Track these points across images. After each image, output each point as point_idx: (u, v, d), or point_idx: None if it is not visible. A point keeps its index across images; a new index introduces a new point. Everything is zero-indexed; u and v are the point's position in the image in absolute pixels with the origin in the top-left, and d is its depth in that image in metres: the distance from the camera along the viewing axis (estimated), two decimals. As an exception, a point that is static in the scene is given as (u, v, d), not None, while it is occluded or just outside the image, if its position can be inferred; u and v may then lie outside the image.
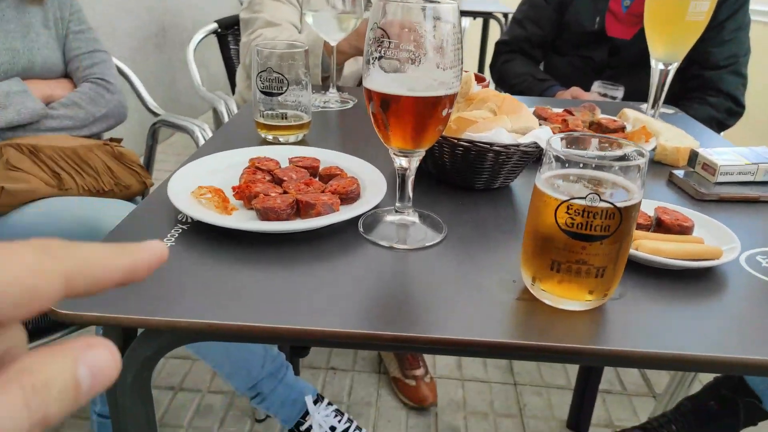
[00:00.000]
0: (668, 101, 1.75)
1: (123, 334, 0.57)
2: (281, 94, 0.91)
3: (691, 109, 1.55)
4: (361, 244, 0.66)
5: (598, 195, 0.49)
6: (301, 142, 0.97)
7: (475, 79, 1.10)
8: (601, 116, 1.07)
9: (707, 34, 1.54)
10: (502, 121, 0.77)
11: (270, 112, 0.93)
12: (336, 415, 1.16)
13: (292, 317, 0.52)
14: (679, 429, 1.24)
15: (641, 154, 0.52)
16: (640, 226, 0.66)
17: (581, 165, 0.52)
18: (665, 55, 1.03)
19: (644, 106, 1.20)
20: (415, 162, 0.65)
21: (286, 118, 0.94)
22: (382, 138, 0.64)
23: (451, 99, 0.61)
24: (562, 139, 0.54)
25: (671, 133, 0.97)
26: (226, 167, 0.78)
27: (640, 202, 0.51)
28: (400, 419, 1.60)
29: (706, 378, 1.39)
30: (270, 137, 0.95)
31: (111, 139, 1.42)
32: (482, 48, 3.73)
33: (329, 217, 0.66)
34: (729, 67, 1.57)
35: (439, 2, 0.58)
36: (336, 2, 1.11)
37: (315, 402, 1.17)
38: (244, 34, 1.55)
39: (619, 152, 0.54)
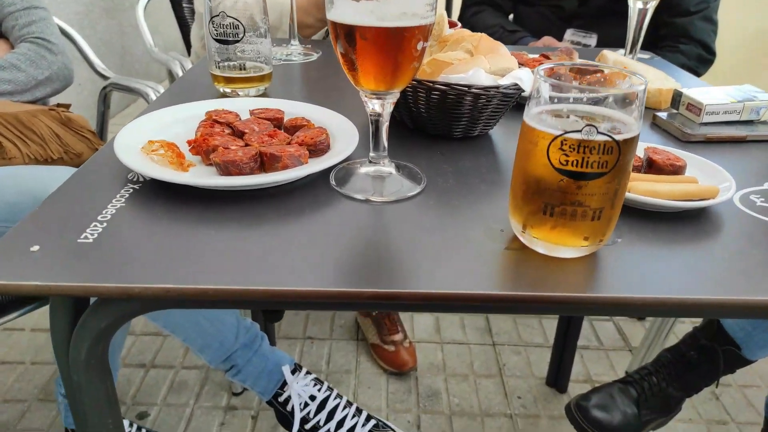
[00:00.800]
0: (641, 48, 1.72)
1: (74, 305, 0.51)
2: (237, 41, 0.84)
3: (664, 57, 1.52)
4: (333, 198, 0.60)
5: (595, 127, 0.44)
6: (262, 96, 0.90)
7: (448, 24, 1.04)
8: (579, 60, 1.02)
9: None
10: (480, 61, 0.72)
11: (227, 63, 0.85)
12: (315, 384, 1.13)
13: (261, 278, 0.46)
14: (660, 380, 1.24)
15: (639, 82, 0.47)
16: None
17: (572, 100, 0.47)
18: (645, -9, 0.99)
19: (621, 51, 1.16)
20: (389, 106, 0.59)
21: (244, 68, 0.86)
22: (351, 79, 0.58)
23: (425, 31, 0.54)
24: (550, 69, 0.49)
25: (652, 75, 0.93)
26: (180, 121, 0.71)
27: (638, 135, 0.47)
28: (381, 385, 1.58)
29: (681, 331, 1.39)
30: (228, 90, 0.88)
31: (58, 105, 1.32)
32: (448, 1, 3.63)
33: (297, 170, 0.60)
34: (700, 12, 1.54)
35: None
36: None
37: (293, 372, 1.12)
38: None
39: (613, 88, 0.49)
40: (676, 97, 0.85)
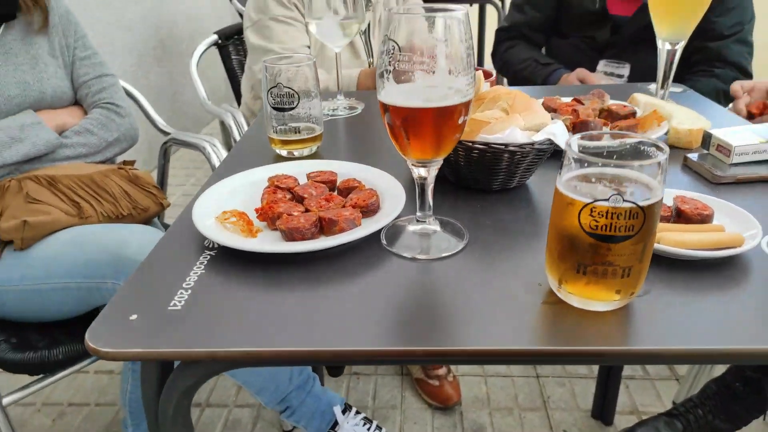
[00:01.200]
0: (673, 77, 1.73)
1: (162, 365, 0.59)
2: (293, 108, 0.92)
3: (697, 83, 1.52)
4: (385, 256, 0.67)
5: (621, 196, 0.49)
6: (315, 154, 0.98)
7: (483, 76, 1.10)
8: (611, 102, 1.07)
9: (711, 3, 1.52)
10: (515, 119, 0.78)
11: (282, 127, 0.94)
12: (365, 423, 1.18)
13: (326, 338, 0.53)
14: (706, 413, 1.24)
15: (661, 150, 0.52)
16: (660, 218, 0.66)
17: (601, 164, 0.52)
18: (671, 35, 1.02)
19: (653, 86, 1.19)
20: (434, 171, 0.66)
21: (299, 131, 0.95)
22: (399, 149, 0.65)
23: (466, 106, 0.61)
24: (581, 138, 0.54)
25: (683, 115, 0.97)
26: (246, 187, 0.80)
27: (662, 199, 0.52)
28: (426, 420, 1.61)
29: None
30: (284, 152, 0.96)
31: (124, 162, 1.44)
32: (480, 36, 3.71)
33: (352, 233, 0.67)
34: (734, 35, 1.54)
35: (447, 9, 0.58)
36: (338, 8, 1.11)
37: (343, 411, 1.18)
38: (255, 64, 1.57)
39: (635, 143, 0.54)
40: (706, 138, 0.88)
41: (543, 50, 1.95)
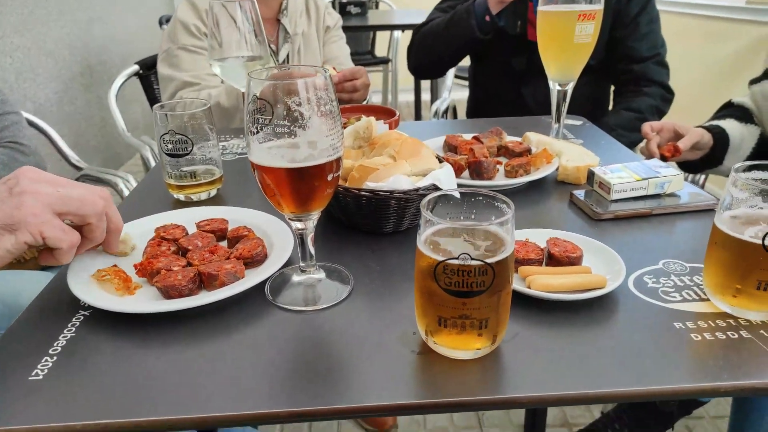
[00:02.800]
0: (607, 98, 1.81)
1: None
2: (187, 154, 0.91)
3: (633, 102, 1.65)
4: (268, 309, 0.67)
5: (469, 255, 0.51)
6: (215, 198, 0.97)
7: (384, 114, 1.13)
8: (508, 140, 1.11)
9: (625, 30, 1.63)
10: (401, 166, 0.80)
11: (177, 172, 0.93)
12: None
13: (192, 404, 0.53)
14: (622, 427, 1.29)
15: (509, 206, 0.54)
16: (531, 261, 0.69)
17: (448, 226, 0.54)
18: (559, 76, 1.08)
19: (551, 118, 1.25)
20: (312, 223, 0.67)
21: (195, 176, 0.94)
22: (273, 205, 0.65)
23: (335, 163, 0.62)
24: (430, 200, 0.56)
25: (573, 153, 1.02)
26: (136, 237, 0.78)
27: (512, 254, 0.54)
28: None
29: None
30: (182, 197, 0.95)
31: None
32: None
33: (232, 287, 0.66)
34: (653, 58, 1.67)
35: (312, 72, 0.59)
36: (241, 49, 1.11)
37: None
38: (164, 94, 1.55)
39: (488, 200, 0.57)
40: (590, 176, 0.93)
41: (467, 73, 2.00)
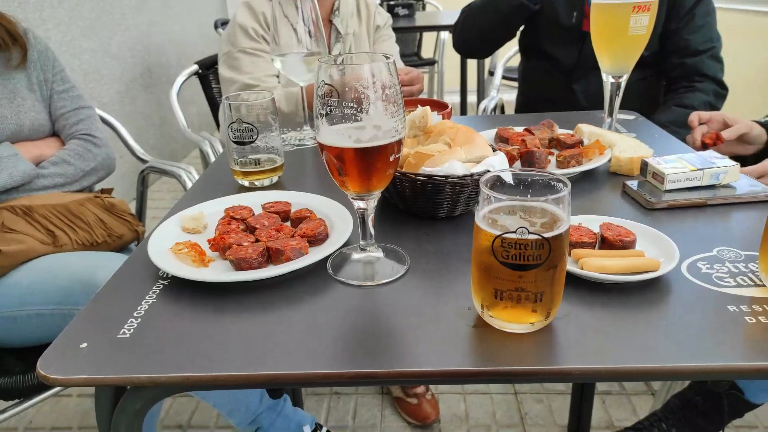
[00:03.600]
0: (658, 95, 1.79)
1: (113, 391, 0.63)
2: (252, 142, 0.97)
3: (685, 98, 1.62)
4: (330, 284, 0.71)
5: (527, 228, 0.54)
6: (276, 185, 1.02)
7: (437, 107, 1.16)
8: (559, 132, 1.12)
9: (680, 23, 1.61)
10: (457, 153, 0.83)
11: (243, 159, 0.98)
12: (336, 441, 1.20)
13: (264, 363, 0.57)
14: (669, 427, 1.28)
15: (565, 185, 0.57)
16: (584, 244, 0.71)
17: (507, 200, 0.57)
18: (613, 69, 1.08)
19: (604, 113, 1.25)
20: (373, 202, 0.70)
21: (259, 163, 0.99)
22: (338, 184, 0.69)
23: (397, 145, 0.66)
24: (489, 178, 0.59)
25: (625, 144, 1.02)
26: (206, 216, 0.84)
27: (568, 230, 0.56)
28: (407, 433, 1.64)
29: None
30: (246, 183, 1.01)
31: (102, 191, 1.48)
32: (462, 61, 3.80)
33: (297, 262, 0.71)
34: (707, 52, 1.64)
35: (377, 56, 0.63)
36: (302, 44, 1.17)
37: (313, 431, 1.21)
38: (225, 93, 1.64)
39: (546, 179, 0.59)
40: (643, 167, 0.94)
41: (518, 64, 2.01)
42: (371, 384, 1.65)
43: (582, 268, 0.67)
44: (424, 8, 4.78)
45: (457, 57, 3.82)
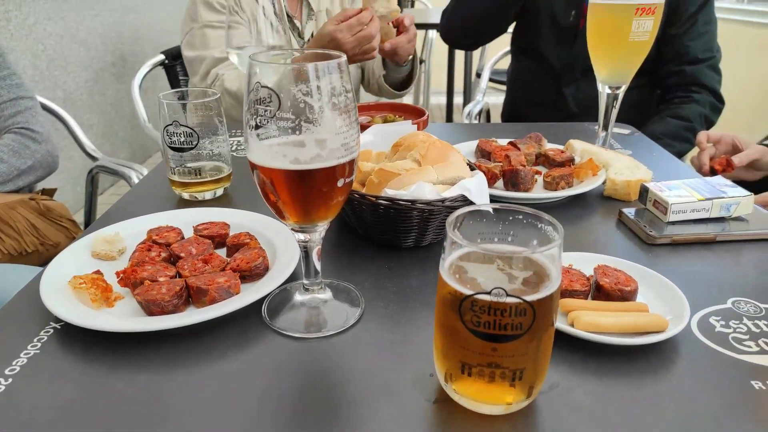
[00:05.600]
0: (651, 105, 1.66)
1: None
2: (192, 148, 0.83)
3: (680, 110, 1.51)
4: (264, 333, 0.58)
5: (504, 290, 0.41)
6: (222, 198, 0.89)
7: (412, 113, 1.03)
8: (548, 147, 1.00)
9: (680, 28, 1.49)
10: (427, 173, 0.70)
11: (181, 168, 0.84)
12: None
13: (158, 449, 0.44)
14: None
15: (557, 231, 0.44)
16: (576, 293, 0.59)
17: (480, 250, 0.44)
18: (611, 78, 0.96)
19: (597, 126, 1.13)
20: (318, 235, 0.57)
21: (200, 173, 0.85)
22: (275, 213, 0.56)
23: (348, 166, 0.52)
24: (459, 216, 0.46)
25: (621, 164, 0.90)
26: (128, 237, 0.70)
27: (558, 290, 0.44)
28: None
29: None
30: (186, 195, 0.87)
31: (43, 191, 1.33)
32: (450, 61, 3.67)
33: (224, 305, 0.57)
34: (707, 61, 1.54)
35: (328, 57, 0.50)
36: (264, 38, 1.03)
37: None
38: (194, 76, 1.47)
39: (531, 219, 0.46)
40: (643, 193, 0.81)
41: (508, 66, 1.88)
42: None
43: (572, 325, 0.54)
44: (412, 5, 4.65)
45: (445, 57, 3.71)
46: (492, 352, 0.43)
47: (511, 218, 0.47)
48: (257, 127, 0.50)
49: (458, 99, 3.94)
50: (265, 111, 0.49)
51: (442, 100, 4.07)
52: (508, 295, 0.41)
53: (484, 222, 0.48)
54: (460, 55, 3.62)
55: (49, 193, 1.34)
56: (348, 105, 0.51)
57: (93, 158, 1.55)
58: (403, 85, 1.65)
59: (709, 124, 1.56)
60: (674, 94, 1.57)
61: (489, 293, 0.41)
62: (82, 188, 1.77)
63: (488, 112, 2.28)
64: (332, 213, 0.55)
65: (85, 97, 3.09)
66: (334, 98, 0.49)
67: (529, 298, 0.41)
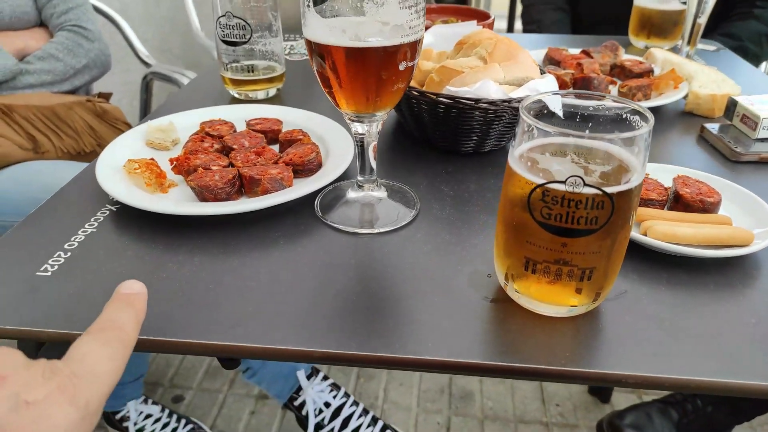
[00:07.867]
0: (709, 22, 1.51)
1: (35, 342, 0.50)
2: (245, 42, 0.80)
3: (732, 28, 1.33)
4: (316, 227, 0.56)
5: (582, 178, 0.37)
6: (274, 98, 0.86)
7: (476, 16, 0.96)
8: (625, 57, 0.92)
9: None
10: (493, 70, 0.64)
11: (235, 65, 0.82)
12: (331, 390, 1.10)
13: (216, 326, 0.43)
14: (705, 404, 1.13)
15: (645, 119, 0.39)
16: (653, 202, 0.54)
17: (555, 134, 0.40)
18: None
19: (679, 42, 1.03)
20: (375, 127, 0.54)
21: (253, 71, 0.82)
22: (330, 99, 0.52)
23: (410, 48, 0.48)
24: (534, 103, 0.42)
25: (707, 78, 0.82)
26: (180, 130, 0.69)
27: (641, 185, 0.39)
28: (413, 382, 1.54)
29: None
30: (238, 94, 0.85)
31: (100, 94, 1.34)
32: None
33: (276, 196, 0.56)
34: None
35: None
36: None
37: (308, 376, 1.10)
38: None
39: (616, 108, 0.42)
40: (730, 107, 0.74)
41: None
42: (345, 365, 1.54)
43: (646, 235, 0.50)
44: None
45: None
46: (561, 247, 0.40)
47: (591, 109, 0.43)
48: (317, 2, 0.46)
49: (518, 24, 3.72)
50: (325, -18, 0.45)
51: (503, 25, 3.85)
52: (585, 185, 0.37)
53: (555, 120, 0.43)
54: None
55: (106, 96, 1.34)
56: (415, -22, 0.46)
57: (147, 65, 1.55)
58: None
59: (761, 48, 1.38)
60: (736, 10, 1.39)
61: (564, 182, 0.38)
62: (137, 101, 1.78)
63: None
64: (390, 102, 0.52)
65: (141, 10, 3.07)
66: (401, -31, 0.45)
67: (609, 189, 0.37)
